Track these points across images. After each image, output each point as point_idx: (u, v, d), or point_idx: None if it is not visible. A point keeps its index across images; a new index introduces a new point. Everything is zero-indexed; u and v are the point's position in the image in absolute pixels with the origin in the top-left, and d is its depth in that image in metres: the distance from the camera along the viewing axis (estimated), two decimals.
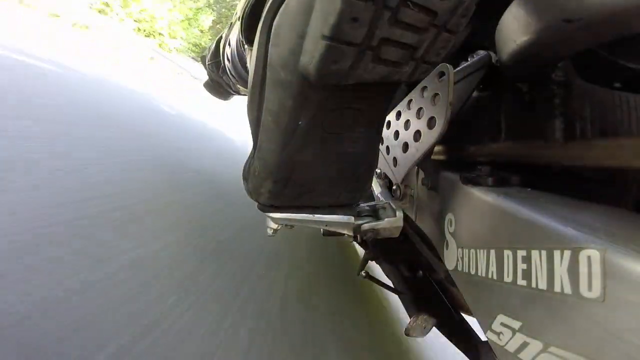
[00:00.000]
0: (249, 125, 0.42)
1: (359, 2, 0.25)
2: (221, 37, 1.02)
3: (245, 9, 0.53)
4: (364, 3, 0.26)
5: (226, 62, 0.90)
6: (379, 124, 0.42)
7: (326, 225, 0.49)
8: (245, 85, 0.90)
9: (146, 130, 1.48)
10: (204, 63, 1.22)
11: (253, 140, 0.42)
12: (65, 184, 0.79)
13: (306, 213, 0.47)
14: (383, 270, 0.89)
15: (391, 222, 0.50)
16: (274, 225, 0.50)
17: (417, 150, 0.48)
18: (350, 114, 0.38)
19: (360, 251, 1.47)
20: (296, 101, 0.34)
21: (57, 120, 1.09)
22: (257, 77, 0.36)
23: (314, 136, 0.38)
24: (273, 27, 0.32)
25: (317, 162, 0.41)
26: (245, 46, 0.56)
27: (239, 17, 0.56)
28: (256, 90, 0.37)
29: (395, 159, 0.54)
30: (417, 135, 0.48)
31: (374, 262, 0.90)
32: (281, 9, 0.31)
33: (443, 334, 0.74)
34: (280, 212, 0.47)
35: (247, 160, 0.48)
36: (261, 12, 0.34)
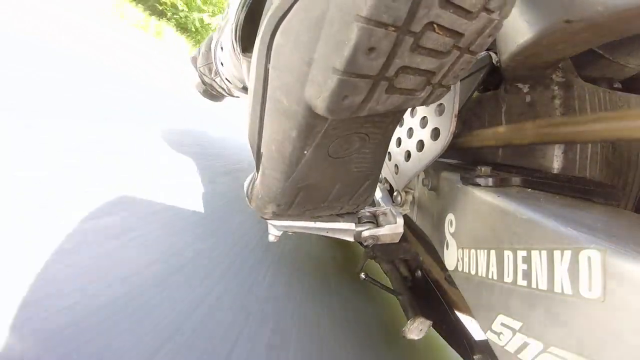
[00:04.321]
0: (250, 147, 0.40)
1: (379, 30, 0.21)
2: (211, 38, 1.00)
3: (239, 17, 0.50)
4: (384, 30, 0.22)
5: (219, 65, 0.87)
6: (386, 144, 0.40)
7: (327, 232, 0.49)
8: (240, 88, 0.89)
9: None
10: (194, 65, 1.19)
11: (255, 163, 0.41)
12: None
13: (307, 221, 0.47)
14: (382, 270, 0.89)
15: (392, 229, 0.50)
16: (276, 232, 0.50)
17: (419, 160, 0.47)
18: (358, 138, 0.35)
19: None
20: (302, 132, 0.31)
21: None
22: (257, 100, 0.33)
23: (319, 162, 0.36)
24: (274, 46, 0.28)
25: (321, 185, 0.40)
26: (240, 54, 0.54)
27: (232, 23, 0.55)
28: (256, 114, 0.34)
29: (397, 166, 0.53)
30: (420, 145, 0.47)
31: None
32: (282, 25, 0.27)
33: (440, 335, 0.74)
34: (282, 221, 0.47)
35: (250, 180, 0.47)
36: (257, 21, 0.30)
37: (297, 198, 0.40)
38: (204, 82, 1.22)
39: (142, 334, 0.84)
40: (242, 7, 0.50)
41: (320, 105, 0.26)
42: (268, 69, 0.30)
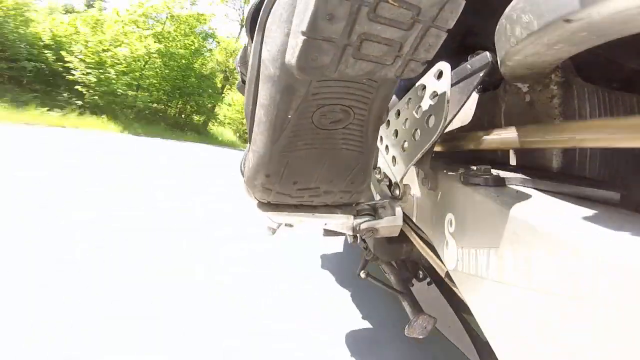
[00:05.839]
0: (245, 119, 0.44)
1: None
2: None
3: (249, 11, 0.54)
4: None
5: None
6: (374, 124, 0.42)
7: (325, 224, 0.49)
8: None
9: None
10: (236, 64, 1.24)
11: (248, 133, 0.44)
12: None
13: (305, 212, 0.48)
14: (383, 271, 0.89)
15: (390, 221, 0.50)
16: (274, 225, 0.50)
17: (416, 147, 0.48)
18: (341, 110, 0.38)
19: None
20: (284, 95, 0.35)
21: None
22: (253, 73, 0.38)
23: (305, 131, 0.39)
24: (266, 27, 0.34)
25: (308, 157, 0.41)
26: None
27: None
28: (252, 85, 0.39)
29: (394, 158, 0.54)
30: (416, 133, 0.48)
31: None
32: (272, 9, 0.33)
33: (443, 334, 0.74)
34: (280, 211, 0.47)
35: (244, 155, 0.49)
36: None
37: (285, 169, 0.42)
38: (242, 81, 1.26)
39: (142, 330, 0.84)
40: (252, 6, 0.53)
41: (294, 65, 0.30)
42: (262, 46, 0.35)
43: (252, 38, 0.55)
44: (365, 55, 0.31)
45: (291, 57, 0.30)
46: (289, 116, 0.37)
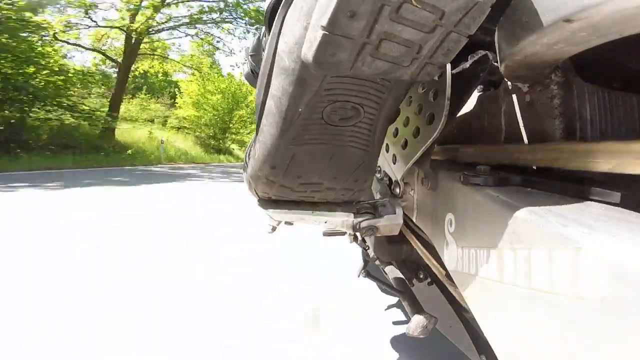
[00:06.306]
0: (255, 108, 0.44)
1: None
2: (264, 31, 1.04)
3: (270, 2, 0.55)
4: None
5: (263, 53, 0.92)
6: (383, 124, 0.42)
7: (325, 222, 0.49)
8: None
9: None
10: (247, 54, 1.25)
11: (256, 124, 0.44)
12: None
13: (305, 209, 0.48)
14: (383, 272, 0.89)
15: (391, 219, 0.50)
16: (274, 223, 0.50)
17: (417, 146, 0.48)
18: (352, 107, 0.38)
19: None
20: (297, 88, 0.36)
21: None
22: (267, 65, 0.38)
23: (314, 125, 0.39)
24: (285, 20, 0.35)
25: (315, 152, 0.42)
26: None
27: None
28: (265, 76, 0.39)
29: (394, 156, 0.54)
30: (417, 131, 0.48)
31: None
32: (293, 2, 0.34)
33: (444, 334, 0.74)
34: (280, 208, 0.47)
35: (249, 146, 0.49)
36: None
37: (291, 162, 0.42)
38: (252, 71, 1.27)
39: (142, 330, 0.84)
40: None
41: (310, 59, 0.30)
42: (279, 38, 0.36)
43: (269, 30, 0.56)
44: (383, 55, 0.30)
45: (308, 51, 0.30)
46: (300, 109, 0.37)
